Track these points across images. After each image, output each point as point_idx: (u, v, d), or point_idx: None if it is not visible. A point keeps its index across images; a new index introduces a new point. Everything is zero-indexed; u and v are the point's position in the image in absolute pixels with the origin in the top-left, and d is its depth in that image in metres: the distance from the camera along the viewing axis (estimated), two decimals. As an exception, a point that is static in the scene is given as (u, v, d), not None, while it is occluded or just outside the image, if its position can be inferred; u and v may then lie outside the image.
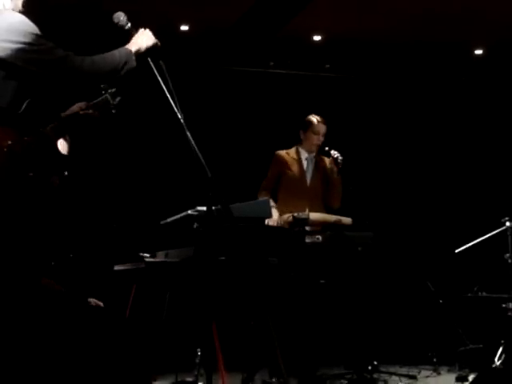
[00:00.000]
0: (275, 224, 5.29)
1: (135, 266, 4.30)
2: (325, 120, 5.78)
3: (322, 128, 5.73)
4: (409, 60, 7.66)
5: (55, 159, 3.03)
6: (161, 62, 3.10)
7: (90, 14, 6.32)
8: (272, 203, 5.49)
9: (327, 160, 5.84)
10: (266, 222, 5.19)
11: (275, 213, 5.39)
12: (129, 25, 3.16)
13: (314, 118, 5.76)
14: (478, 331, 5.98)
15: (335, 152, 5.52)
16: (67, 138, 3.66)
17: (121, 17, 3.15)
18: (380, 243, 5.42)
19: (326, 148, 5.66)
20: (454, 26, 6.83)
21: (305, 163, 5.82)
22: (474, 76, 7.94)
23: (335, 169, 5.69)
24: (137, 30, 3.17)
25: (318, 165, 5.84)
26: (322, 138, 5.73)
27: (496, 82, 7.90)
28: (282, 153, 5.84)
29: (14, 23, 2.94)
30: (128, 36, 3.15)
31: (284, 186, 5.79)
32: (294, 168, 5.79)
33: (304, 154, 5.83)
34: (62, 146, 3.53)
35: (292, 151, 5.86)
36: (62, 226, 3.98)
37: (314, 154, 5.83)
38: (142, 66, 3.14)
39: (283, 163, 5.80)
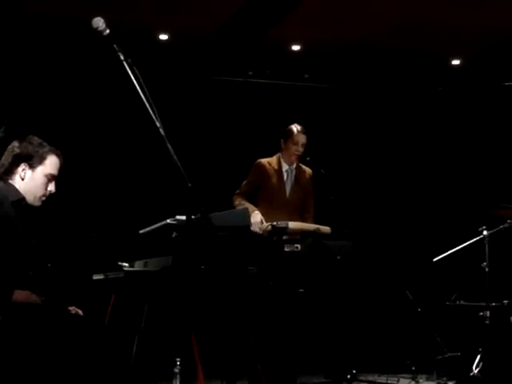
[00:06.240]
0: (258, 220, 5.26)
1: (114, 276, 4.27)
2: (305, 130, 5.62)
3: (302, 138, 5.57)
4: (386, 70, 7.71)
5: None
6: (134, 67, 3.06)
7: (70, 22, 6.31)
8: (253, 207, 5.47)
9: (307, 172, 5.79)
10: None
11: (258, 216, 5.34)
12: (107, 31, 3.13)
13: (295, 128, 5.59)
14: (456, 339, 6.01)
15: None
16: None
17: (100, 22, 3.11)
18: (359, 252, 5.42)
19: (308, 158, 5.61)
20: (431, 36, 6.89)
21: (285, 175, 5.70)
22: (450, 86, 8.00)
23: (310, 186, 5.72)
24: (116, 38, 3.13)
25: (298, 177, 5.75)
26: (301, 149, 5.58)
27: (473, 93, 7.97)
28: (264, 162, 5.71)
29: None
30: (107, 42, 3.12)
31: (263, 196, 5.71)
32: (274, 179, 5.68)
33: (285, 166, 5.70)
34: None
35: (273, 161, 5.72)
36: (39, 236, 3.95)
37: (295, 164, 5.73)
38: (119, 74, 3.11)
39: (264, 173, 5.69)
